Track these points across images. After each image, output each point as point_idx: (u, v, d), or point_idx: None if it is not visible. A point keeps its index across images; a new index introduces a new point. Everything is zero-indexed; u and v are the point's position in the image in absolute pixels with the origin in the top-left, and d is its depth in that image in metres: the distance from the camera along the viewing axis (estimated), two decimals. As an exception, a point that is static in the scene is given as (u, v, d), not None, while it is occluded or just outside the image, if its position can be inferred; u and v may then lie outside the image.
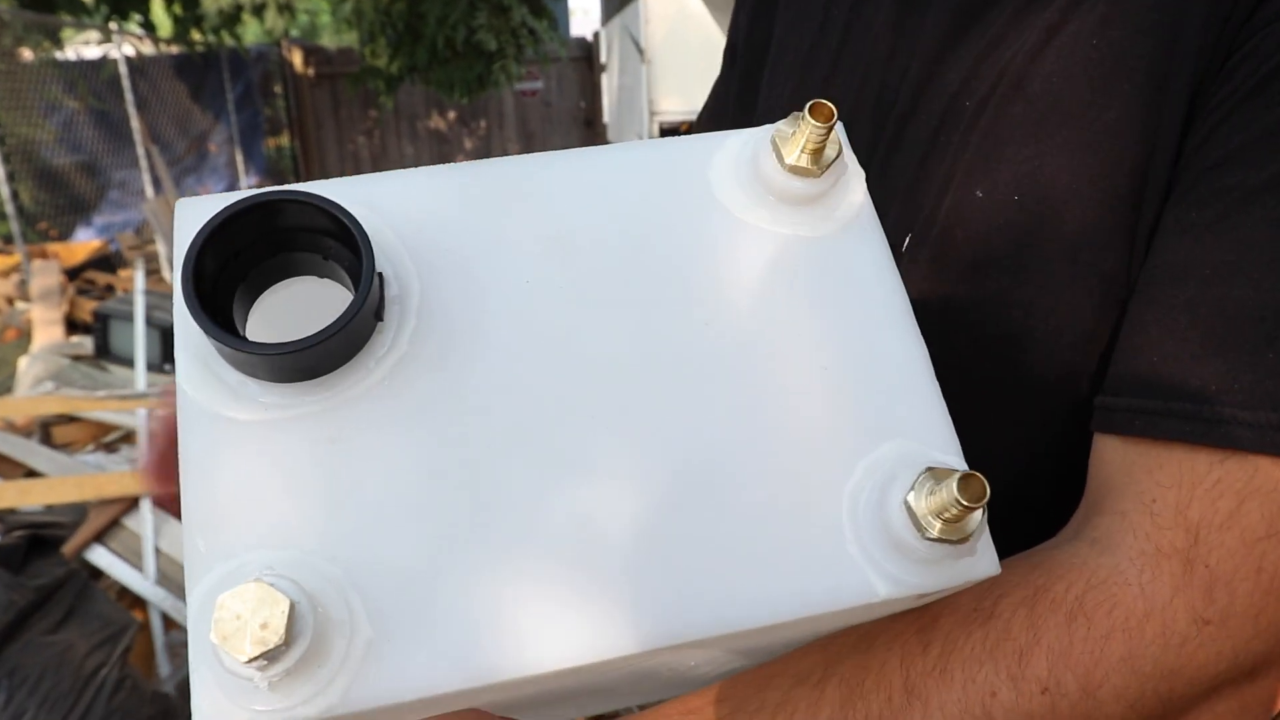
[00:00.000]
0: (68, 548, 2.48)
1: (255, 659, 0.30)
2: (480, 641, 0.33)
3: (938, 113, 0.57)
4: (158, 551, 2.44)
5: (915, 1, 0.61)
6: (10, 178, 5.81)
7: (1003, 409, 0.55)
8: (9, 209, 5.74)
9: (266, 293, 0.37)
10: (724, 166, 0.43)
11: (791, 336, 0.39)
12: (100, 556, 2.54)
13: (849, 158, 0.43)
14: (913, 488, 0.36)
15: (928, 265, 0.56)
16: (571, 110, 11.06)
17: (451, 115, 10.81)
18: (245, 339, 0.35)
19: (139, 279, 4.20)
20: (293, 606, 0.30)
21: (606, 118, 10.15)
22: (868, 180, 0.49)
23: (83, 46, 8.71)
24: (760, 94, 0.74)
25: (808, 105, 0.39)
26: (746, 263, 0.40)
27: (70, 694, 1.98)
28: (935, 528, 0.35)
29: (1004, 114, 0.53)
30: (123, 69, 7.19)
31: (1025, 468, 0.56)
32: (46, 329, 4.50)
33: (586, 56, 10.79)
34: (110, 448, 3.26)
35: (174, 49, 8.77)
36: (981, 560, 0.38)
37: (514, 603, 0.34)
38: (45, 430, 3.35)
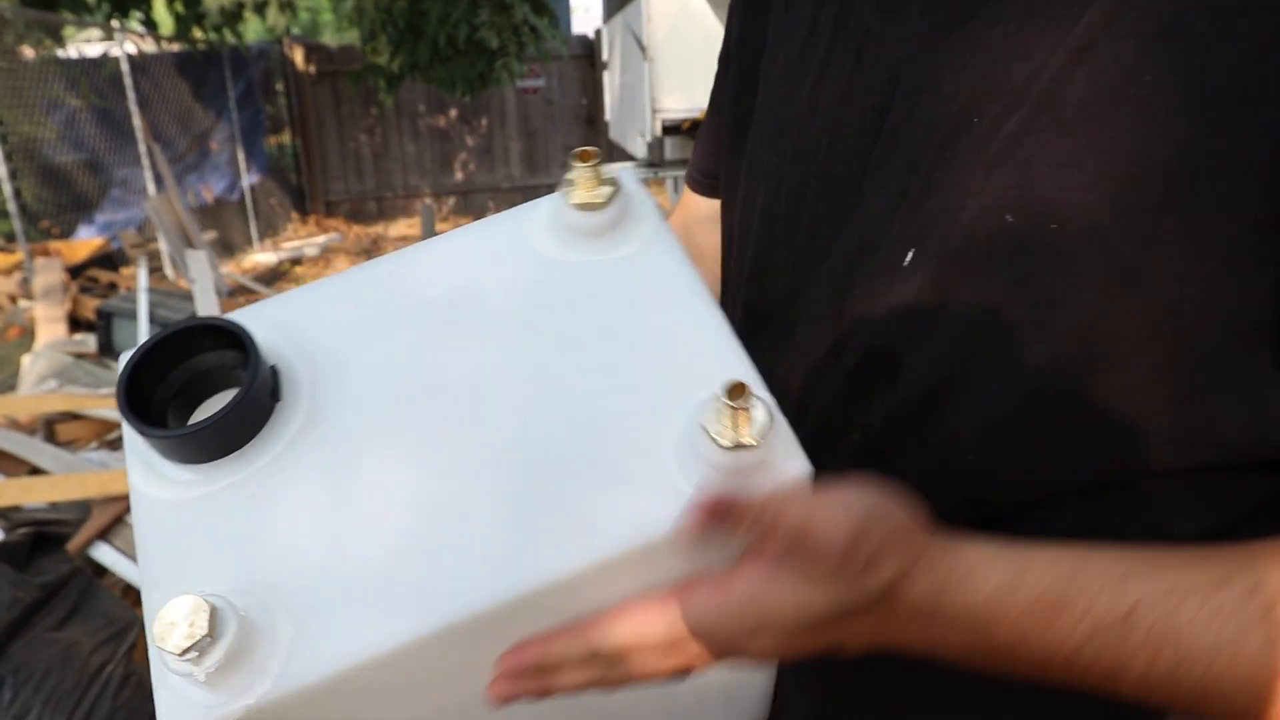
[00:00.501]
0: (72, 545, 2.48)
1: (187, 651, 0.37)
2: (374, 623, 0.41)
3: (940, 125, 0.55)
4: (161, 549, 2.43)
5: (897, 9, 0.60)
6: (12, 176, 5.82)
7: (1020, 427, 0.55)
8: (11, 207, 5.74)
9: (209, 402, 0.47)
10: (539, 223, 0.51)
11: (611, 337, 0.47)
12: (104, 554, 2.54)
13: (633, 188, 0.51)
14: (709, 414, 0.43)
15: (935, 281, 0.55)
16: (573, 108, 11.05)
17: (453, 113, 10.81)
18: (163, 428, 0.44)
19: (142, 277, 4.20)
20: (215, 608, 0.38)
21: (608, 115, 10.14)
22: (857, 184, 0.54)
23: (84, 44, 8.71)
24: (755, 100, 0.74)
25: (574, 151, 0.48)
26: (566, 291, 0.49)
27: (75, 691, 1.98)
28: (728, 438, 0.43)
29: (1032, 136, 0.51)
30: (124, 67, 7.19)
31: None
32: (49, 327, 4.51)
33: (588, 54, 10.78)
34: (113, 445, 3.26)
35: (175, 47, 8.78)
36: (791, 463, 0.46)
37: (395, 590, 0.42)
38: (49, 428, 3.36)
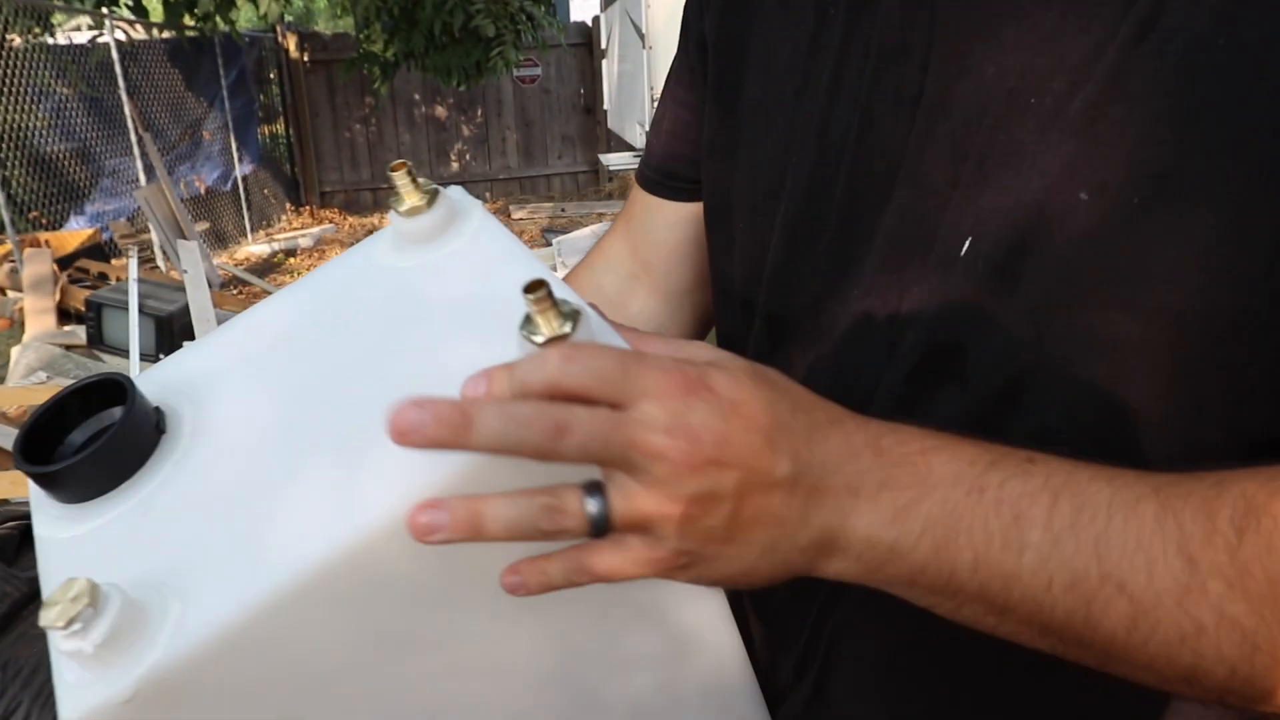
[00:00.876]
0: (61, 541, 2.42)
1: (70, 623, 0.40)
2: (243, 587, 0.44)
3: (989, 108, 0.53)
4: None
5: None
6: (1, 165, 5.73)
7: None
8: None
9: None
10: (383, 242, 0.56)
11: (451, 313, 0.51)
12: (95, 550, 2.48)
13: (455, 193, 0.56)
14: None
15: (999, 269, 0.52)
16: (571, 97, 10.99)
17: (449, 102, 10.73)
18: (50, 467, 0.47)
19: (132, 268, 4.13)
20: (95, 584, 0.41)
21: (606, 104, 10.08)
22: (893, 183, 0.58)
23: (74, 33, 8.61)
24: (743, 94, 0.70)
25: (390, 164, 0.53)
26: (408, 291, 0.53)
27: (64, 693, 1.91)
28: (541, 334, 0.45)
29: (1101, 115, 0.49)
30: (114, 54, 7.10)
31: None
32: (39, 318, 4.44)
33: (586, 42, 10.72)
34: (104, 438, 3.20)
35: (166, 34, 8.68)
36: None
37: (258, 560, 0.45)
38: (38, 420, 3.29)
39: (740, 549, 0.45)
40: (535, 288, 0.44)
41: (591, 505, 0.44)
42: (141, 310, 3.63)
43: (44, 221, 6.68)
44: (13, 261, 5.24)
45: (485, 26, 7.91)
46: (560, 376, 0.43)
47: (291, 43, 10.29)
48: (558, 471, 0.44)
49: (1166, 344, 0.48)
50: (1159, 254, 0.47)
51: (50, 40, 7.45)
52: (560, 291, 0.46)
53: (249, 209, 9.36)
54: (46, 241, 5.80)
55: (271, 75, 10.50)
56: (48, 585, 0.47)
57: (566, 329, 0.45)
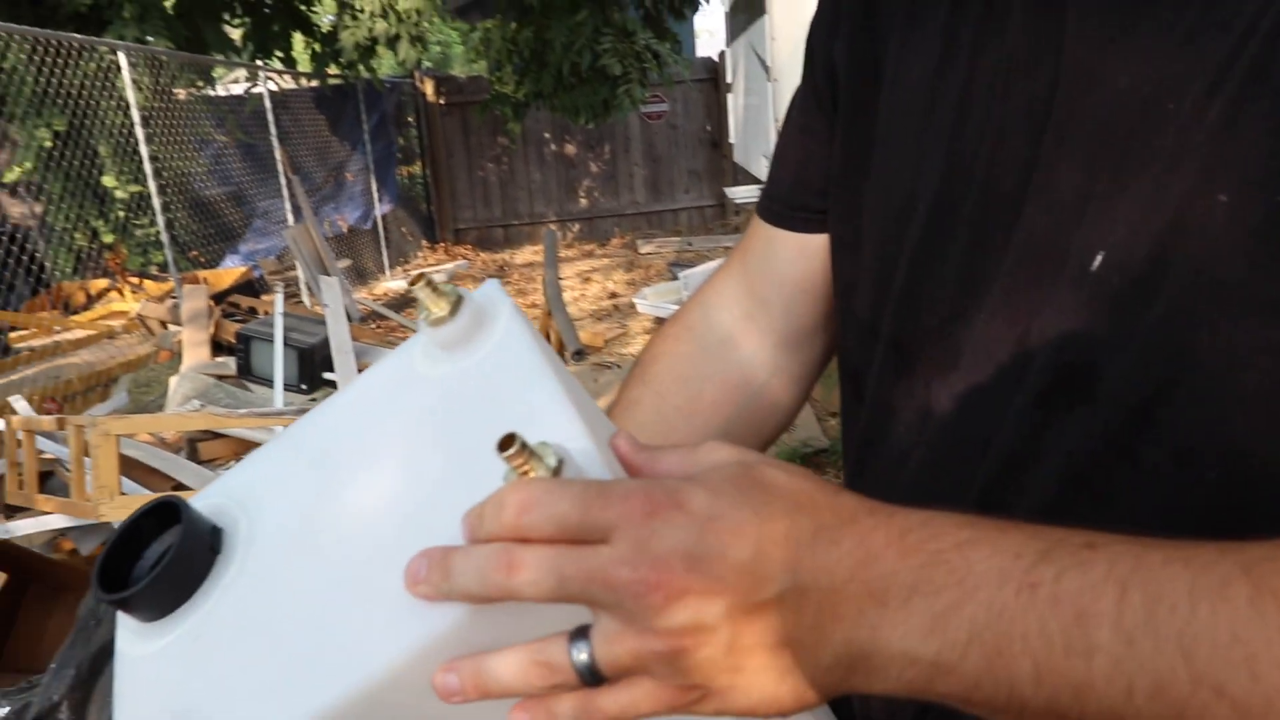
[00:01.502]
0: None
1: None
2: (290, 705, 0.45)
3: (1120, 120, 0.52)
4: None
5: (1050, 12, 0.56)
6: (165, 209, 6.14)
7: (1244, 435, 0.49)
8: (164, 238, 6.06)
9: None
10: (418, 350, 0.57)
11: (473, 432, 0.50)
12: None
13: (481, 294, 0.56)
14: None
15: (1133, 281, 0.50)
16: (697, 132, 11.08)
17: (578, 140, 10.96)
18: (114, 595, 0.49)
19: (278, 303, 4.35)
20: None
21: (732, 138, 10.12)
22: (1024, 200, 0.56)
23: (231, 84, 9.19)
24: (875, 117, 0.69)
25: (412, 278, 0.53)
26: (438, 402, 0.54)
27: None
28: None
29: (1242, 112, 0.47)
30: (267, 103, 7.55)
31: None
32: (194, 350, 4.72)
33: (712, 77, 10.80)
34: (251, 463, 3.36)
35: (313, 83, 9.17)
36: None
37: (301, 681, 0.46)
38: (192, 446, 3.49)
39: (754, 677, 0.41)
40: (506, 445, 0.42)
41: (577, 654, 0.41)
42: (286, 342, 3.82)
43: (202, 260, 7.13)
44: (175, 298, 5.60)
45: (612, 65, 8.06)
46: (520, 526, 0.41)
47: (429, 87, 10.73)
48: (556, 623, 0.43)
49: None
50: None
51: (210, 92, 7.97)
52: (548, 433, 0.46)
53: (387, 246, 9.76)
54: (204, 279, 6.18)
55: (410, 118, 10.96)
56: (120, 703, 0.50)
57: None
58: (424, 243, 10.95)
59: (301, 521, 0.53)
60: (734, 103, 8.92)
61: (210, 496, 0.56)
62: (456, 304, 0.53)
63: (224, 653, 0.48)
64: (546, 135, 10.92)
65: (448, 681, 0.43)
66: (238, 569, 0.51)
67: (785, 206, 0.81)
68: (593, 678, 0.41)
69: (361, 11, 7.51)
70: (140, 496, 2.79)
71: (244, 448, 3.44)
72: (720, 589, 0.39)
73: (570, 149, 11.06)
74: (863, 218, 0.70)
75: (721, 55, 10.62)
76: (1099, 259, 0.52)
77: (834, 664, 0.41)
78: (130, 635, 0.52)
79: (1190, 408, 0.49)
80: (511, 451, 0.42)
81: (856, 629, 0.40)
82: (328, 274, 6.06)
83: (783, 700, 0.42)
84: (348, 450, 0.55)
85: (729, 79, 9.68)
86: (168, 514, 0.52)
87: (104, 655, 2.07)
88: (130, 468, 3.06)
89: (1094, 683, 0.38)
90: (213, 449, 3.50)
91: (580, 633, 0.42)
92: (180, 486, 3.04)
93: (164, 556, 0.51)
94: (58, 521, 2.84)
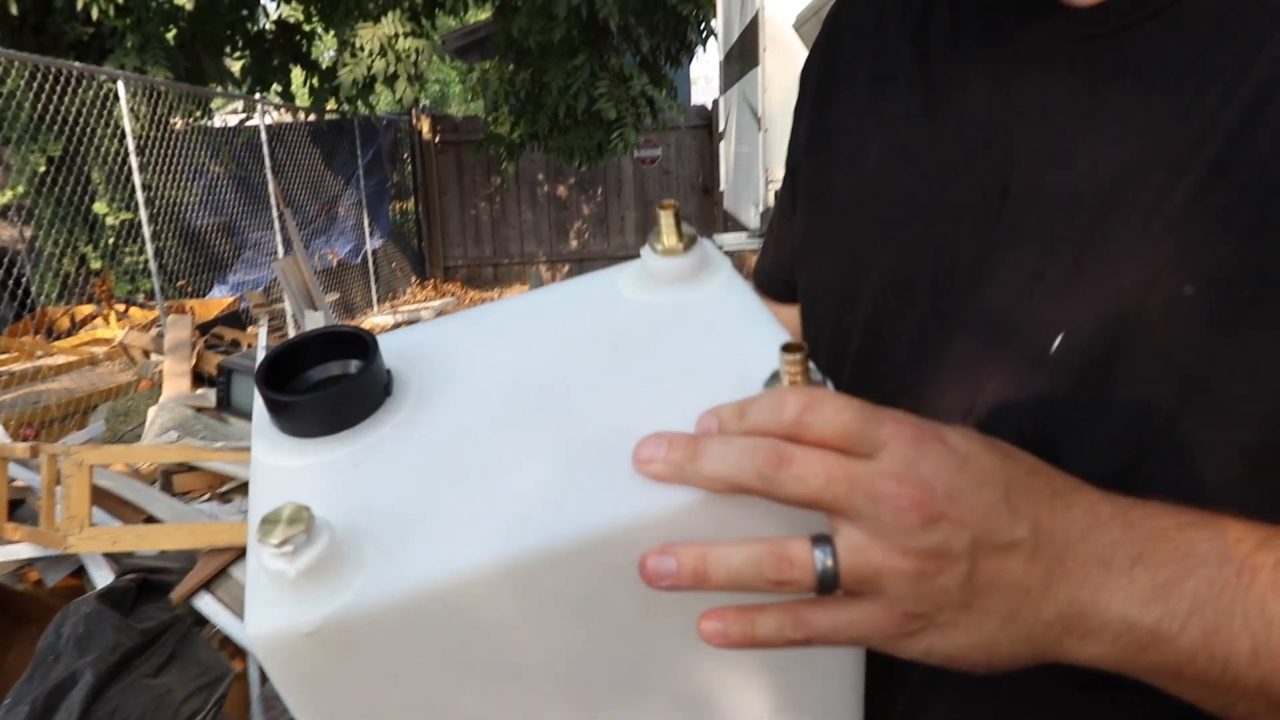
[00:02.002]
0: (176, 593, 2.53)
1: (284, 544, 0.40)
2: (452, 554, 0.44)
3: (1084, 201, 0.53)
4: (259, 602, 2.46)
5: (1009, 89, 0.57)
6: (155, 237, 6.16)
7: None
8: (152, 266, 6.07)
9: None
10: (630, 275, 0.58)
11: (690, 352, 0.52)
12: (206, 604, 2.58)
13: (711, 249, 0.57)
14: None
15: (1096, 364, 0.51)
16: (690, 178, 11.18)
17: (571, 181, 11.05)
18: (287, 397, 0.49)
19: (262, 335, 4.36)
20: (312, 513, 0.41)
21: (723, 185, 10.21)
22: (979, 278, 0.57)
23: (228, 115, 9.25)
24: (833, 194, 0.71)
25: (660, 203, 0.54)
26: (649, 324, 0.55)
27: (164, 741, 1.99)
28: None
29: (1205, 206, 0.48)
30: (263, 136, 7.60)
31: None
32: (175, 381, 4.70)
33: (706, 124, 10.92)
34: (225, 498, 3.35)
35: (311, 117, 9.24)
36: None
37: (475, 531, 0.45)
38: (167, 478, 3.47)
39: (978, 617, 0.42)
40: (794, 349, 0.44)
41: (820, 556, 0.41)
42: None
43: (190, 290, 7.13)
44: (160, 326, 5.59)
45: (607, 110, 8.17)
46: (800, 422, 0.41)
47: (425, 125, 10.81)
48: (784, 530, 0.43)
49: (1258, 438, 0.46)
50: (1271, 350, 0.46)
51: (206, 122, 8.03)
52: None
53: (376, 281, 9.78)
54: (191, 308, 6.18)
55: (405, 155, 11.03)
56: (256, 503, 0.48)
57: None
58: (414, 278, 10.98)
59: (491, 388, 0.53)
60: (725, 151, 9.01)
61: (382, 341, 0.55)
62: (692, 241, 0.55)
63: (396, 484, 0.48)
64: (540, 176, 11.00)
65: (662, 564, 0.42)
66: (409, 414, 0.52)
67: (767, 278, 0.85)
68: (827, 585, 0.41)
69: (361, 49, 7.60)
70: (110, 528, 2.77)
71: (219, 481, 3.43)
72: (971, 521, 0.40)
73: (563, 190, 11.14)
74: (821, 290, 0.72)
75: (715, 104, 10.75)
76: (1058, 340, 0.52)
77: (1054, 619, 0.42)
78: (270, 445, 0.51)
79: (1150, 494, 0.50)
80: (798, 356, 0.43)
81: (1081, 587, 0.41)
82: (315, 307, 6.07)
83: (998, 647, 0.42)
84: (545, 341, 0.56)
85: (721, 127, 9.80)
86: (342, 341, 0.53)
87: (60, 692, 2.05)
88: (102, 498, 3.05)
89: None
90: (188, 481, 3.48)
91: (822, 539, 0.42)
92: (152, 519, 3.03)
93: (336, 378, 0.52)
94: (25, 551, 2.81)
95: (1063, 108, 0.55)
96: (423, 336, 0.59)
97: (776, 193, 0.88)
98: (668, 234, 0.55)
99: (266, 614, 0.42)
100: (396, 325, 8.66)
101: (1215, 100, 0.48)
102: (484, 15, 10.46)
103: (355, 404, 0.51)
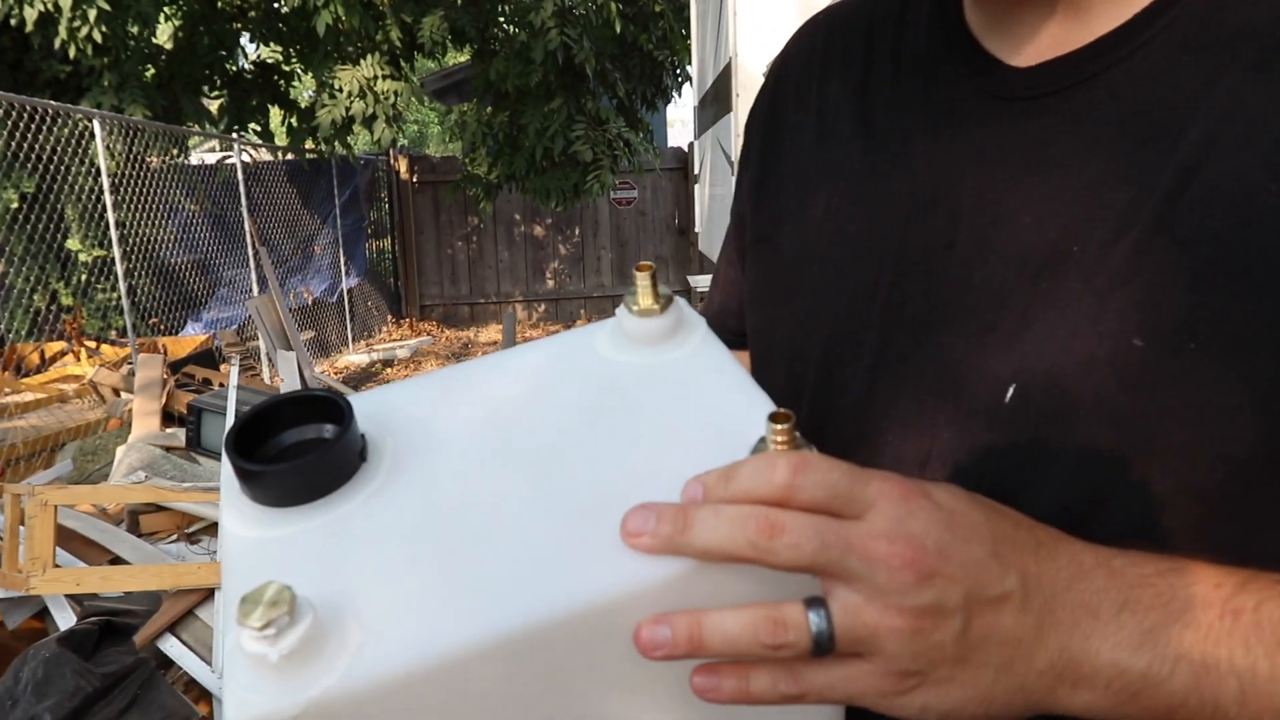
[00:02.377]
0: (140, 636, 2.50)
1: (265, 627, 0.39)
2: (437, 633, 0.43)
3: (1030, 256, 0.54)
4: (224, 645, 2.44)
5: (951, 147, 0.59)
6: (129, 274, 6.13)
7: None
8: (125, 304, 6.04)
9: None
10: (604, 334, 0.58)
11: (665, 416, 0.52)
12: (171, 646, 2.55)
13: (686, 309, 0.57)
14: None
15: (1049, 415, 0.52)
16: (665, 219, 11.26)
17: (548, 222, 11.10)
18: (259, 466, 0.48)
19: (233, 375, 4.34)
20: (293, 593, 0.40)
21: (698, 226, 10.29)
22: (927, 329, 0.58)
23: (206, 154, 9.26)
24: (781, 248, 0.72)
25: (637, 265, 0.54)
26: (624, 386, 0.54)
27: (123, 787, 1.96)
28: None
29: (1146, 261, 0.49)
30: (239, 175, 7.61)
31: None
32: (145, 420, 4.66)
33: (682, 167, 11.02)
34: (193, 538, 3.32)
35: (289, 156, 9.27)
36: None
37: (458, 608, 0.44)
38: (134, 518, 3.44)
39: (973, 671, 0.42)
40: (781, 419, 0.44)
41: (815, 619, 0.41)
42: (237, 415, 3.80)
43: (162, 327, 7.09)
44: (131, 364, 5.55)
45: (584, 152, 8.23)
46: (789, 486, 0.41)
47: (402, 165, 10.86)
48: (773, 592, 0.43)
49: (1232, 491, 0.47)
50: (1219, 400, 0.47)
51: (183, 160, 8.03)
52: (758, 433, 0.47)
53: (352, 320, 9.76)
54: (163, 346, 6.14)
55: (382, 194, 11.06)
56: (230, 577, 0.47)
57: None
58: (389, 317, 10.96)
59: (467, 454, 0.52)
60: (700, 193, 9.10)
61: (356, 403, 0.54)
62: (668, 302, 0.55)
63: (376, 556, 0.46)
64: (517, 216, 11.05)
65: (657, 634, 0.42)
66: (385, 481, 0.50)
67: (715, 326, 0.85)
68: (823, 647, 0.41)
69: (340, 91, 7.64)
70: (73, 570, 2.74)
71: (187, 522, 3.39)
72: (962, 576, 0.41)
73: (539, 230, 11.19)
74: (772, 340, 0.73)
75: (691, 146, 10.86)
76: (1010, 392, 0.54)
77: (1046, 668, 0.42)
78: (242, 516, 0.49)
79: (1110, 541, 0.50)
80: (785, 426, 0.44)
81: (1071, 636, 0.42)
82: (289, 346, 6.05)
83: (993, 701, 0.43)
84: (521, 405, 0.55)
85: (697, 170, 9.90)
86: (313, 406, 0.51)
87: (15, 737, 2.00)
88: (67, 539, 3.01)
89: None
90: (155, 522, 3.44)
91: (816, 602, 0.42)
92: (118, 560, 2.99)
93: (309, 444, 0.51)
94: (-13, 592, 2.77)
95: (1005, 164, 0.56)
96: (396, 397, 0.58)
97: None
98: (644, 295, 0.55)
99: (248, 700, 0.41)
100: (372, 364, 8.64)
101: (1152, 160, 0.50)
102: (463, 58, 10.57)
103: (330, 473, 0.50)
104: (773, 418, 0.44)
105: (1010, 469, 0.54)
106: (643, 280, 0.55)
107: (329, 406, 0.51)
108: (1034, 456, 0.52)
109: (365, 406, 0.55)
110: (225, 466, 0.50)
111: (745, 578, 0.44)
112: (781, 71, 0.78)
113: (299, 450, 0.52)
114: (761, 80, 0.82)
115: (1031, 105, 0.56)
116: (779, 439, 0.44)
